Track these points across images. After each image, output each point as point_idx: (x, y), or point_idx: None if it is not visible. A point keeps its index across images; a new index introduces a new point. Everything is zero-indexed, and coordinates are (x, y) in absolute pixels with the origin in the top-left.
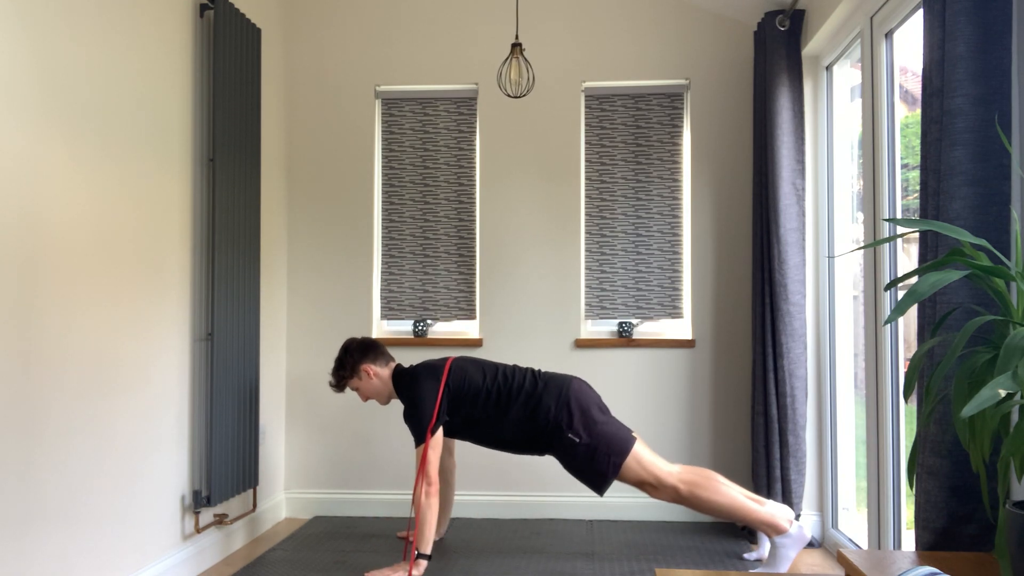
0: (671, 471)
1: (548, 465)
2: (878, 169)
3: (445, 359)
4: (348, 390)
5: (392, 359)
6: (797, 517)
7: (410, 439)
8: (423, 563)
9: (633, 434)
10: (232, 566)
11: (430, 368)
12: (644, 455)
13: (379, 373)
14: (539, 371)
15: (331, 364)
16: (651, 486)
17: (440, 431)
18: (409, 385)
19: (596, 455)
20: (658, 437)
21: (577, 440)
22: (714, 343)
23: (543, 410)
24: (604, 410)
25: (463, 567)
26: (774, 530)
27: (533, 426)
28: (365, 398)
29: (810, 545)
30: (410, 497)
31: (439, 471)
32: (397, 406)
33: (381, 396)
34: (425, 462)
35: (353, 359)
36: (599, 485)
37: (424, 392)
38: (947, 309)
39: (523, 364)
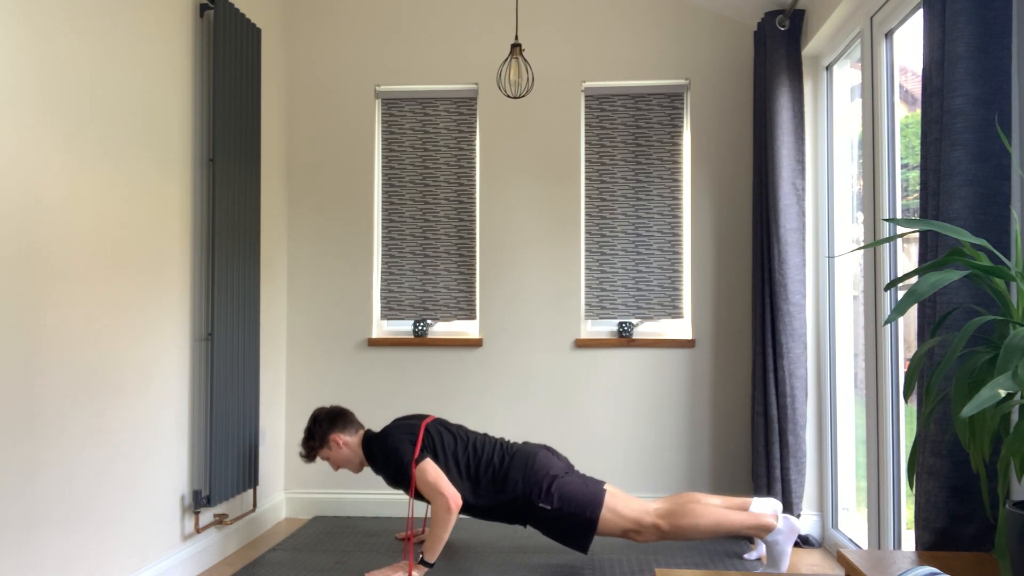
0: (648, 510)
1: None
2: (878, 169)
3: (419, 418)
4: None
5: (361, 426)
6: (797, 517)
7: None
8: (424, 569)
9: (604, 486)
10: (232, 566)
11: (403, 425)
12: (618, 504)
13: (348, 442)
14: (507, 444)
15: (331, 366)
16: (634, 532)
17: (431, 461)
18: (381, 443)
19: (570, 518)
20: (658, 437)
21: (548, 508)
22: (714, 343)
23: (511, 484)
24: (569, 471)
25: (463, 567)
26: (764, 531)
27: (503, 499)
28: (336, 467)
29: (810, 545)
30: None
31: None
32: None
33: (352, 464)
34: (434, 488)
35: (322, 429)
36: (581, 546)
37: (398, 441)
38: (947, 309)
39: (524, 366)
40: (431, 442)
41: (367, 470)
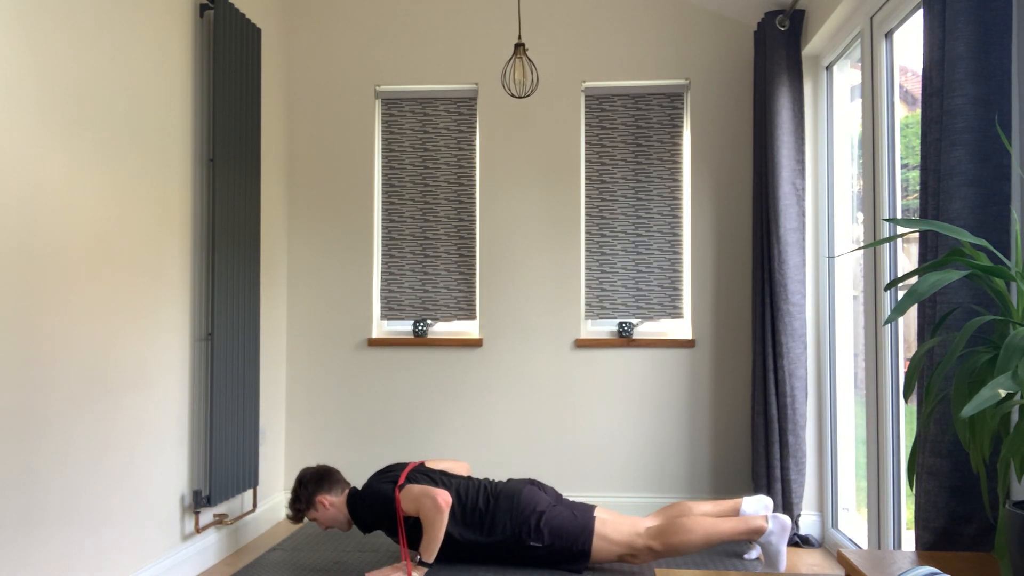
0: (639, 532)
1: (548, 465)
2: (878, 169)
3: (400, 466)
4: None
5: (347, 485)
6: (797, 516)
7: (413, 436)
8: (423, 570)
9: (594, 513)
10: (232, 566)
11: (383, 472)
12: (608, 531)
13: (334, 502)
14: (491, 485)
15: (331, 366)
16: (630, 556)
17: (415, 484)
18: (363, 496)
19: (563, 552)
20: (658, 437)
21: (539, 545)
22: (714, 343)
23: (499, 526)
24: (558, 502)
25: (463, 567)
26: (756, 534)
27: (492, 540)
28: (325, 527)
29: (810, 545)
30: None
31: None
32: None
33: (339, 523)
34: (422, 496)
35: (308, 491)
36: (578, 572)
37: (379, 483)
38: (947, 309)
39: (524, 366)
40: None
41: (367, 462)
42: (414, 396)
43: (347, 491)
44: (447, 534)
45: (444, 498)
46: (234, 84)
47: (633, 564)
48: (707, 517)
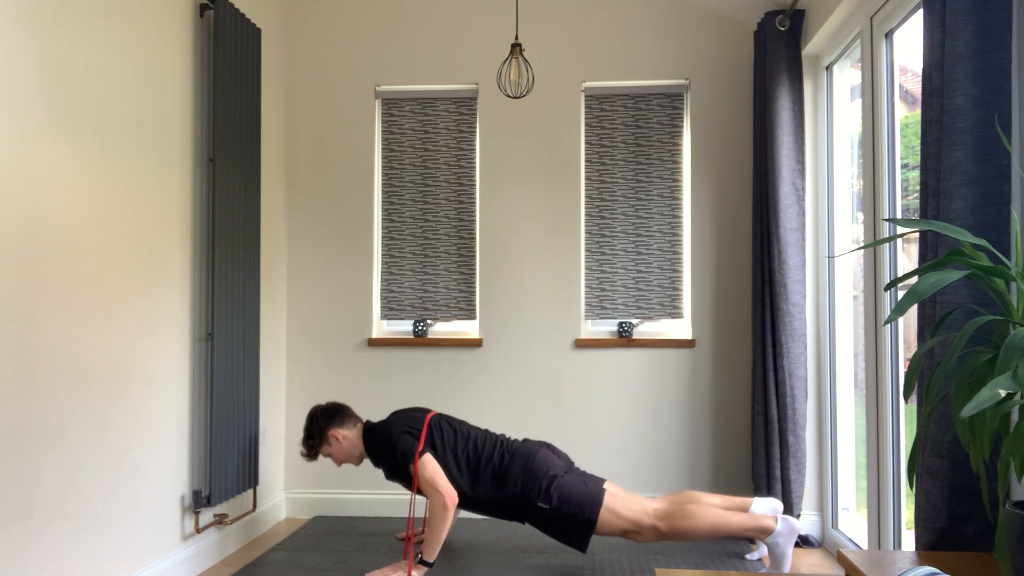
0: (647, 511)
1: None
2: (878, 169)
3: (423, 411)
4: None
5: (359, 420)
6: (798, 516)
7: None
8: (424, 569)
9: (604, 485)
10: (232, 566)
11: (404, 415)
12: (617, 504)
13: (347, 436)
14: (508, 441)
15: (331, 366)
16: (633, 532)
17: (432, 457)
18: (382, 434)
19: (568, 518)
20: (658, 437)
21: (547, 507)
22: (714, 343)
23: (510, 482)
24: (570, 470)
25: (463, 567)
26: (763, 533)
27: (501, 496)
28: (339, 463)
29: (810, 545)
30: (409, 497)
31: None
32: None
33: (353, 458)
34: (431, 484)
35: (320, 426)
36: (579, 544)
37: (400, 432)
38: (947, 309)
39: (524, 366)
40: (432, 437)
41: (367, 464)
42: (414, 396)
43: (360, 425)
44: (456, 481)
45: (452, 498)
46: (234, 84)
47: (634, 541)
48: (716, 508)
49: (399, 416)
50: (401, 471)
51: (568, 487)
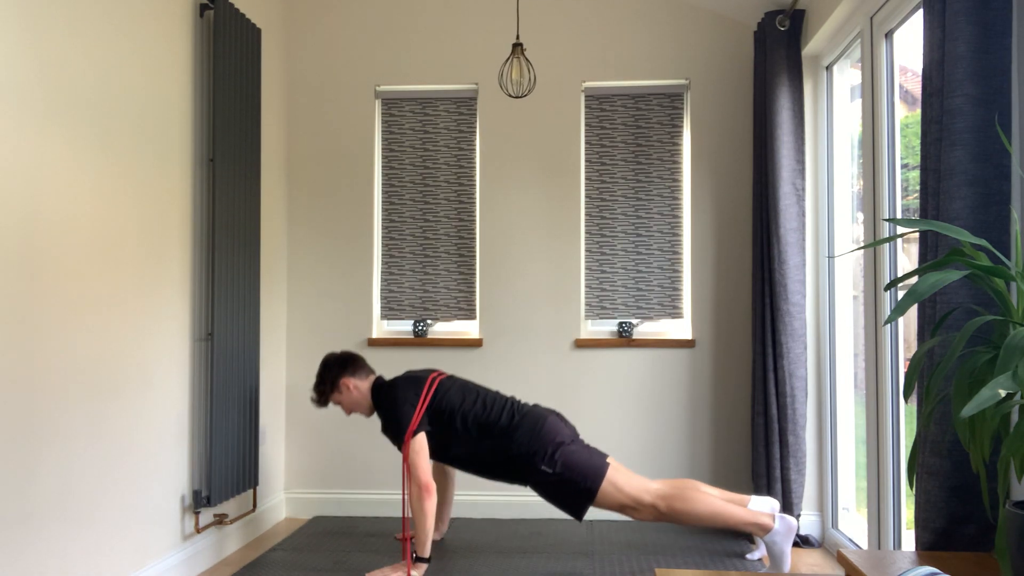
0: (648, 489)
1: None
2: (878, 169)
3: (429, 372)
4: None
5: (372, 372)
6: (798, 516)
7: None
8: (422, 566)
9: (607, 459)
10: (232, 566)
11: (411, 380)
12: (619, 478)
13: (359, 386)
14: (518, 404)
15: None
16: (632, 508)
17: (424, 437)
18: (388, 395)
19: (570, 485)
20: (658, 437)
21: (550, 471)
22: (714, 343)
23: (516, 444)
24: (576, 440)
25: (463, 567)
26: (761, 529)
27: (506, 457)
28: (348, 411)
29: (810, 545)
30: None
31: (440, 469)
32: None
33: (362, 408)
34: (412, 468)
35: (333, 373)
36: (577, 512)
37: (403, 400)
38: (947, 309)
39: (524, 366)
40: (435, 401)
41: (367, 464)
42: None
43: (372, 378)
44: (462, 440)
45: (428, 489)
46: (234, 84)
47: (631, 517)
48: (715, 498)
49: (407, 381)
50: (394, 439)
51: (573, 456)
